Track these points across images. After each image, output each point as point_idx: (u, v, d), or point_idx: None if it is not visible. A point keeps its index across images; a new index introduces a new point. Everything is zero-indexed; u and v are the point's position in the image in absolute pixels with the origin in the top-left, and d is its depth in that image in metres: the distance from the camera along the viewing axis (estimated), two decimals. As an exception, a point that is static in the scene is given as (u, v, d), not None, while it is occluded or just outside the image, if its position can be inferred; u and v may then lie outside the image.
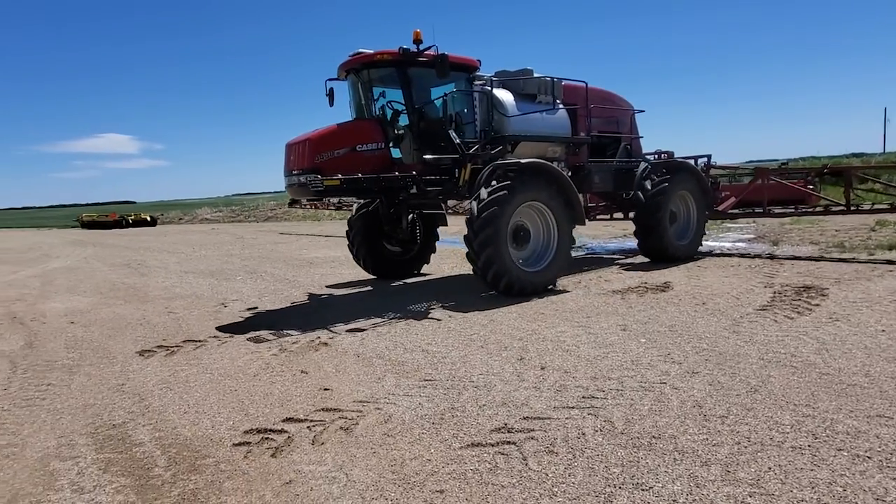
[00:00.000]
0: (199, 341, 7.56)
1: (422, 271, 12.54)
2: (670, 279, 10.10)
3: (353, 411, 4.82)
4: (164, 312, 9.74)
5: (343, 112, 11.19)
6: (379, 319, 8.28)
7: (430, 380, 5.55)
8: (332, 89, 10.28)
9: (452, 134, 9.62)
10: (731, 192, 14.60)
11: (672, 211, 12.10)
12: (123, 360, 6.90)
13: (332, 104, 10.28)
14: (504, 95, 10.45)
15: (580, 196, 13.32)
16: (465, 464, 3.78)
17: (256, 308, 9.78)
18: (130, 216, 46.98)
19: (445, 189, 10.03)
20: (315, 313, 9.03)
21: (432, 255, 12.62)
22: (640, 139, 13.60)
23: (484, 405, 4.79)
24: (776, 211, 13.92)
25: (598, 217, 15.31)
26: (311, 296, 10.72)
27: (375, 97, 9.99)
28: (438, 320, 8.05)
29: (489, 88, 10.28)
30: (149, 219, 47.43)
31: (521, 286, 9.15)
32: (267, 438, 4.38)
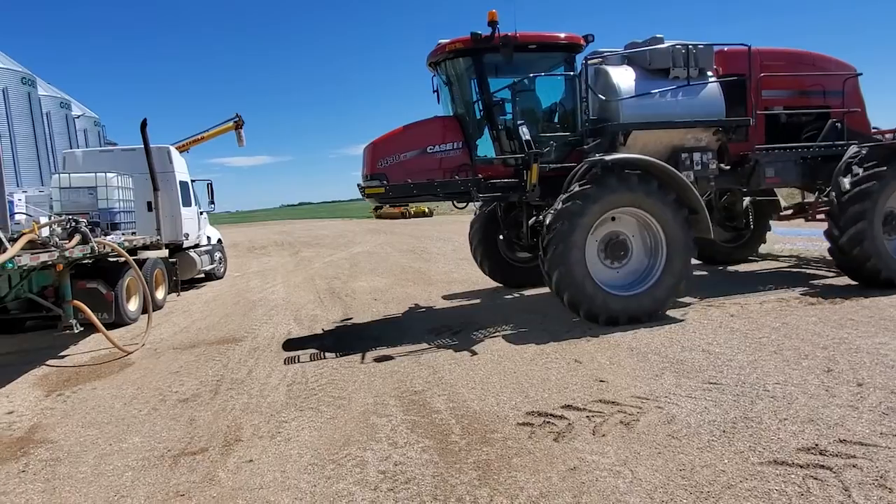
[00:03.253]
0: (477, 323, 8.20)
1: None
2: None
3: (632, 406, 4.73)
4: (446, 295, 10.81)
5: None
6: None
7: (715, 383, 5.15)
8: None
9: (523, 129, 8.08)
10: None
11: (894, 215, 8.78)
12: (416, 335, 7.86)
13: (439, 101, 9.22)
14: (617, 74, 8.44)
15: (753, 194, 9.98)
16: (768, 482, 3.41)
17: (524, 296, 10.22)
18: (412, 208, 53.00)
19: (510, 194, 8.54)
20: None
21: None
22: (856, 113, 9.80)
23: (785, 419, 4.27)
24: None
25: (818, 216, 11.71)
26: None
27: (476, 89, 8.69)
28: (718, 319, 7.41)
29: (583, 69, 8.43)
30: (427, 210, 52.89)
31: (609, 315, 7.46)
32: (548, 422, 4.57)
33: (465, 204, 8.99)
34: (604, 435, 4.25)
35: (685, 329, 7.07)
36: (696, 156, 8.59)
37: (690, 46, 8.47)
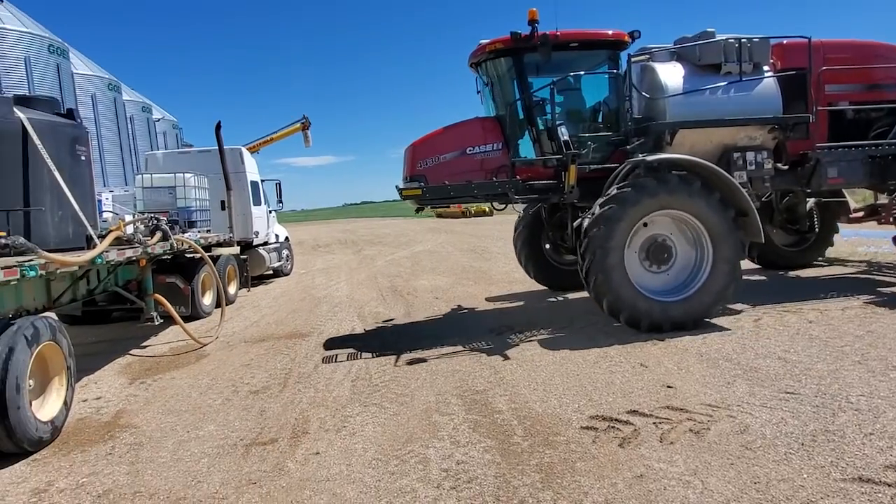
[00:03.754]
0: (539, 324, 8.13)
1: None
2: None
3: (701, 414, 4.57)
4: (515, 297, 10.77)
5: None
6: (719, 317, 7.67)
7: (792, 393, 4.90)
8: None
9: (562, 129, 7.87)
10: None
11: None
12: (477, 334, 7.86)
13: (483, 102, 9.11)
14: (664, 71, 8.10)
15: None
16: (852, 500, 3.22)
17: (586, 297, 10.02)
18: (472, 208, 53.04)
19: (548, 196, 8.37)
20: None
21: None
22: None
23: (871, 434, 4.01)
24: None
25: (892, 219, 10.11)
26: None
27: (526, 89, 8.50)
28: (795, 325, 7.05)
29: (627, 66, 8.19)
30: (487, 210, 52.80)
31: (652, 321, 7.17)
32: (613, 427, 4.48)
33: (504, 206, 8.90)
34: (672, 442, 4.13)
35: (759, 335, 6.77)
36: (750, 155, 8.16)
37: (744, 40, 8.06)
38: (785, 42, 8.69)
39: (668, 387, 5.26)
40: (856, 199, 11.38)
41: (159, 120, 27.25)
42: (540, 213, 10.07)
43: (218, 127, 12.61)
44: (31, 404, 4.85)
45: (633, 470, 3.78)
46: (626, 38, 8.32)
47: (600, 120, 8.70)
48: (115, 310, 10.30)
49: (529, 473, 3.86)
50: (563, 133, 7.89)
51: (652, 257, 7.56)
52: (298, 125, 22.01)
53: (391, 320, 9.40)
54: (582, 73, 8.60)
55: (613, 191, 7.40)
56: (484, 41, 8.43)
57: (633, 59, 8.29)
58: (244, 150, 15.01)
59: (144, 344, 8.95)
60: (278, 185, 16.59)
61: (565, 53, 8.19)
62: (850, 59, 8.87)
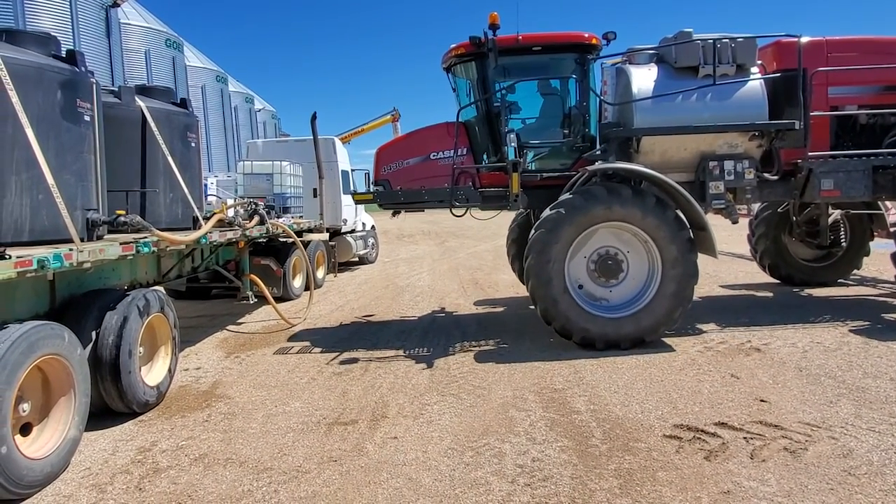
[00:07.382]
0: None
1: None
2: None
3: (798, 433, 4.28)
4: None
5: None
6: (820, 330, 7.13)
7: (905, 418, 4.48)
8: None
9: (511, 136, 7.54)
10: None
11: None
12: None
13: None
14: (638, 75, 7.58)
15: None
16: (973, 542, 2.91)
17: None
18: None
19: (501, 203, 7.98)
20: (739, 313, 8.34)
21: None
22: None
23: None
24: None
25: None
26: (730, 293, 9.98)
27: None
28: (915, 345, 6.43)
29: (588, 70, 7.87)
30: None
31: (585, 336, 6.79)
32: (699, 438, 4.28)
33: (464, 211, 8.48)
34: (764, 460, 3.89)
35: (868, 353, 6.24)
36: (728, 164, 7.50)
37: (727, 40, 7.47)
38: (782, 41, 7.93)
39: (762, 401, 4.96)
40: None
41: (260, 110, 28.74)
42: (530, 218, 9.71)
43: (313, 118, 13.08)
44: (140, 369, 5.29)
45: (720, 485, 3.60)
46: (595, 41, 7.87)
47: (561, 126, 8.34)
48: (215, 287, 10.99)
49: (607, 478, 3.77)
50: (512, 139, 7.62)
51: (600, 270, 7.18)
52: (389, 117, 22.54)
53: (470, 313, 9.45)
54: (533, 78, 8.31)
55: (564, 196, 7.16)
56: (453, 45, 8.27)
57: (612, 62, 7.97)
58: (337, 140, 15.52)
59: (239, 321, 9.51)
60: (367, 174, 16.93)
61: (529, 58, 7.96)
62: (860, 59, 7.92)
